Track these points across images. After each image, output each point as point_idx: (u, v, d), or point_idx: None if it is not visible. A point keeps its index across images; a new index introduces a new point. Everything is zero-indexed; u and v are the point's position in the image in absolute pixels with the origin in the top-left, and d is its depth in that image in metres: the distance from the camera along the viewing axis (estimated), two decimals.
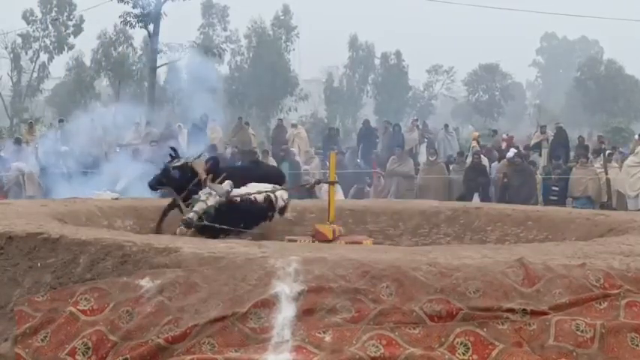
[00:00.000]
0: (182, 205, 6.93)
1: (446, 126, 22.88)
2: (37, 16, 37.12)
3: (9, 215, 5.74)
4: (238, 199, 6.76)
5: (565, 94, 46.82)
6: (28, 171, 15.00)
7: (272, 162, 17.18)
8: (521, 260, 4.20)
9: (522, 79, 56.14)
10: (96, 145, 16.30)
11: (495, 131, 22.62)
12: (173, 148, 7.77)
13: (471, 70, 45.75)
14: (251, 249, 4.50)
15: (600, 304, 3.98)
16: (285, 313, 3.87)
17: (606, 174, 15.53)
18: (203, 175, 6.88)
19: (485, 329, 3.81)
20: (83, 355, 3.93)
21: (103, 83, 36.62)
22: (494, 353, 3.73)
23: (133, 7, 25.38)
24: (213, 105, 16.69)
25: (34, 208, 6.71)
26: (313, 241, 6.56)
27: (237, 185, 6.86)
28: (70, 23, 37.16)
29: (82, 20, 37.13)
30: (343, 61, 42.84)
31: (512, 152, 16.32)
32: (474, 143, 19.13)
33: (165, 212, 7.41)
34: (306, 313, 3.87)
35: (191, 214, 6.34)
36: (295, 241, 6.59)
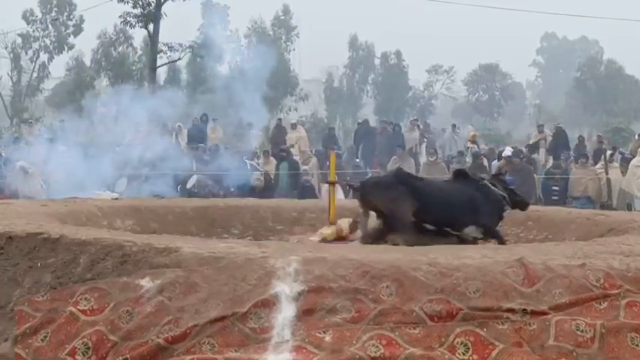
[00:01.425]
0: None
1: (453, 126, 22.91)
2: (37, 16, 37.22)
3: (9, 215, 5.74)
4: None
5: (565, 94, 46.90)
6: (32, 170, 14.97)
7: (272, 162, 17.20)
8: (521, 260, 4.20)
9: (522, 79, 56.26)
10: (96, 145, 16.26)
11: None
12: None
13: (471, 70, 45.87)
14: (251, 249, 4.50)
15: (600, 304, 3.98)
16: (285, 313, 3.87)
17: (606, 174, 15.54)
18: None
19: (485, 329, 3.81)
20: (83, 355, 3.93)
21: (103, 83, 36.64)
22: (494, 353, 3.73)
23: (133, 7, 25.37)
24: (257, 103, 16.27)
25: (34, 208, 6.70)
26: None
27: None
28: (70, 23, 37.26)
29: (82, 20, 37.24)
30: (343, 61, 42.96)
31: (508, 151, 16.32)
32: (470, 143, 19.14)
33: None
34: (306, 313, 3.87)
35: None
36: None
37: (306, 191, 15.38)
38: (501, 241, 6.33)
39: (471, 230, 6.32)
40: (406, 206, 6.15)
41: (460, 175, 6.89)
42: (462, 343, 3.76)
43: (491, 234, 6.40)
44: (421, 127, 21.69)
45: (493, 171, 16.29)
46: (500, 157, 16.67)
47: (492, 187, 6.57)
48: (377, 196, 6.26)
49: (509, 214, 6.85)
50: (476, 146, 18.53)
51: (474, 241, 6.31)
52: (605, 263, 4.27)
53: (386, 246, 5.65)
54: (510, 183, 7.11)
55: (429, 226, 6.25)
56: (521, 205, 6.91)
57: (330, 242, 6.44)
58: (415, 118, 25.44)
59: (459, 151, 18.19)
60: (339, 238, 6.69)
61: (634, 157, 15.98)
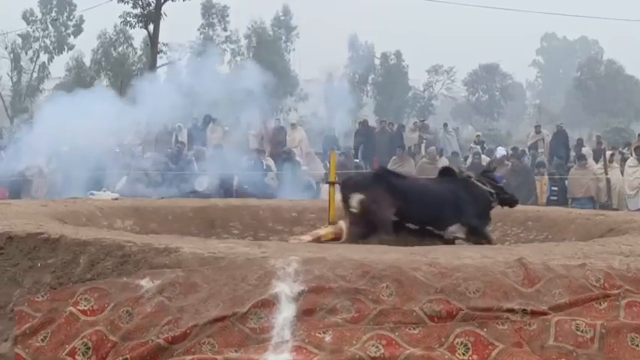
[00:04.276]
0: None
1: (445, 125, 22.84)
2: (37, 16, 37.26)
3: (9, 215, 5.74)
4: None
5: (565, 94, 46.95)
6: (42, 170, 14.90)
7: (271, 162, 17.22)
8: (521, 260, 4.20)
9: (522, 79, 56.25)
10: (96, 145, 16.23)
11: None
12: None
13: (471, 70, 45.84)
14: (251, 249, 4.50)
15: (600, 304, 3.97)
16: (285, 313, 3.87)
17: (606, 174, 15.56)
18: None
19: (485, 329, 3.80)
20: (83, 355, 3.93)
21: (103, 83, 36.66)
22: (494, 353, 3.73)
23: (133, 7, 25.38)
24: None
25: (34, 208, 6.70)
26: None
27: None
28: (70, 23, 37.32)
29: (82, 20, 37.30)
30: (343, 61, 42.93)
31: (501, 151, 16.33)
32: (472, 144, 19.18)
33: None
34: (306, 314, 3.86)
35: None
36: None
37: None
38: (488, 240, 6.25)
39: (455, 229, 6.22)
40: (385, 205, 6.07)
41: (446, 172, 6.84)
42: (462, 344, 3.75)
43: (475, 232, 6.25)
44: (422, 128, 21.66)
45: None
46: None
47: (479, 185, 6.49)
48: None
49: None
50: (479, 147, 18.54)
51: (453, 240, 6.21)
52: (605, 263, 4.27)
53: (386, 246, 5.65)
54: (498, 180, 7.02)
55: (412, 226, 6.18)
56: (509, 202, 6.81)
57: (326, 242, 6.39)
58: (422, 119, 25.28)
59: (454, 152, 18.20)
60: (337, 238, 6.64)
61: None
